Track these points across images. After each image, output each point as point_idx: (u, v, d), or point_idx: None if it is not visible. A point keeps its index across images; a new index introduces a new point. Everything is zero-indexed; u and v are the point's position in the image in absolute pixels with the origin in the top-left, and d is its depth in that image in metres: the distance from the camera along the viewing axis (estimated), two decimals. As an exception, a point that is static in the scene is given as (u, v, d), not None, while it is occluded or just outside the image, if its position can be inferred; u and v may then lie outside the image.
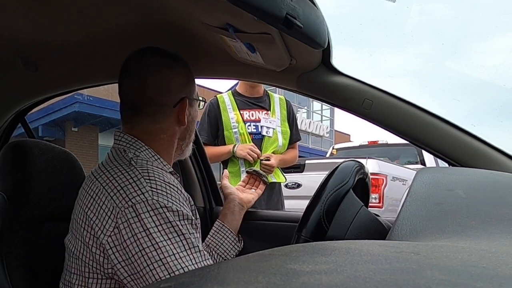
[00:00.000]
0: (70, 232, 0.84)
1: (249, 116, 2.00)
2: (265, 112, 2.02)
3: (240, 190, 1.20)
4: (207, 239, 1.09)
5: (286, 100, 2.14)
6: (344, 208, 0.73)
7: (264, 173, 1.22)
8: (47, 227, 1.01)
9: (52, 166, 1.03)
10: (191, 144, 0.98)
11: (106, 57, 1.11)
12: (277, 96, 2.12)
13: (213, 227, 1.10)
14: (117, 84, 0.94)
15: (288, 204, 3.86)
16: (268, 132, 1.99)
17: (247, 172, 1.30)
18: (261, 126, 1.99)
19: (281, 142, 2.03)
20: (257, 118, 2.00)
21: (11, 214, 0.96)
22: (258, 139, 1.98)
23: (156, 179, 0.77)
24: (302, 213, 0.75)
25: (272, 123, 2.02)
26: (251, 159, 1.90)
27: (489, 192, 0.57)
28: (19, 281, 0.94)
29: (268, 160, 1.92)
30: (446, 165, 0.96)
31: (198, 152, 1.54)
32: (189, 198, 0.84)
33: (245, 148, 1.91)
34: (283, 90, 1.20)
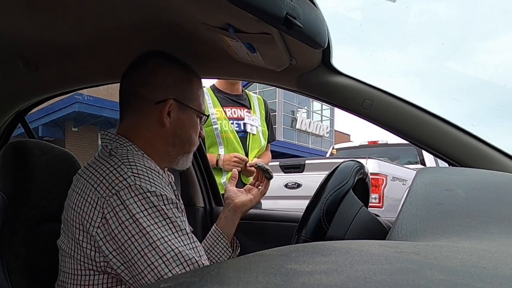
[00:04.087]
0: (62, 233, 0.84)
1: (231, 113, 1.95)
2: (247, 110, 1.99)
3: (240, 192, 1.18)
4: (203, 242, 1.08)
5: (263, 99, 2.13)
6: (344, 208, 0.73)
7: (268, 168, 1.17)
8: (47, 227, 1.01)
9: (52, 166, 1.04)
10: (188, 155, 0.96)
11: (106, 57, 1.11)
12: (255, 96, 2.10)
13: (210, 231, 1.09)
14: (117, 84, 0.94)
15: (288, 204, 3.88)
16: (252, 130, 1.96)
17: (255, 167, 1.27)
18: (245, 124, 1.95)
19: (263, 142, 2.02)
20: (239, 116, 1.96)
21: (11, 214, 0.96)
22: (242, 137, 1.95)
23: (137, 164, 0.78)
24: (302, 214, 0.75)
25: (255, 121, 1.99)
26: (239, 168, 1.85)
27: (489, 192, 0.57)
28: (19, 281, 0.94)
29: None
30: (446, 165, 0.96)
31: (198, 152, 1.54)
32: (171, 182, 0.85)
33: (230, 161, 1.85)
34: (283, 90, 1.19)
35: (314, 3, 0.75)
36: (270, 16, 0.63)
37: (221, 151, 1.90)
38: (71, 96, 9.47)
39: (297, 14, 0.66)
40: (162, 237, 0.72)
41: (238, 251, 1.13)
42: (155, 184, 0.77)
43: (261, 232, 1.43)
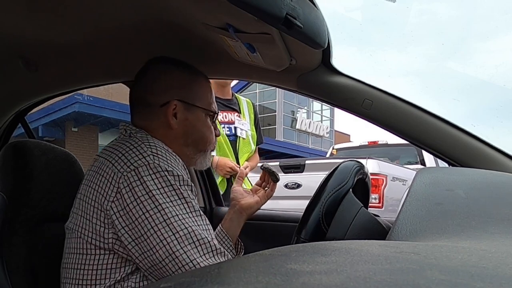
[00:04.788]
0: (71, 214, 0.85)
1: (222, 117, 1.98)
2: (237, 114, 2.02)
3: (247, 193, 1.18)
4: None
5: (252, 103, 2.16)
6: (343, 209, 0.73)
7: (274, 171, 1.16)
8: (47, 227, 1.01)
9: (52, 166, 1.04)
10: (205, 153, 0.97)
11: (106, 57, 1.11)
12: (245, 99, 2.13)
13: (215, 232, 1.09)
14: (117, 84, 0.95)
15: (288, 204, 3.88)
16: (242, 134, 1.99)
17: (261, 168, 1.27)
18: (235, 127, 1.98)
19: (252, 146, 2.04)
20: (230, 120, 1.99)
21: (11, 214, 0.96)
22: (232, 140, 1.98)
23: (156, 145, 0.81)
24: (302, 214, 0.74)
25: (245, 125, 2.02)
26: (228, 176, 1.89)
27: (489, 192, 0.57)
28: (19, 281, 0.94)
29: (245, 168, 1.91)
30: (446, 165, 0.96)
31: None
32: (184, 166, 0.86)
33: (224, 168, 1.88)
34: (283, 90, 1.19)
35: (314, 3, 0.75)
36: (270, 16, 0.63)
37: (213, 153, 1.93)
38: (71, 96, 9.46)
39: (297, 14, 0.66)
40: (177, 215, 0.74)
41: (242, 253, 1.13)
42: (172, 165, 0.79)
43: (261, 232, 1.43)
